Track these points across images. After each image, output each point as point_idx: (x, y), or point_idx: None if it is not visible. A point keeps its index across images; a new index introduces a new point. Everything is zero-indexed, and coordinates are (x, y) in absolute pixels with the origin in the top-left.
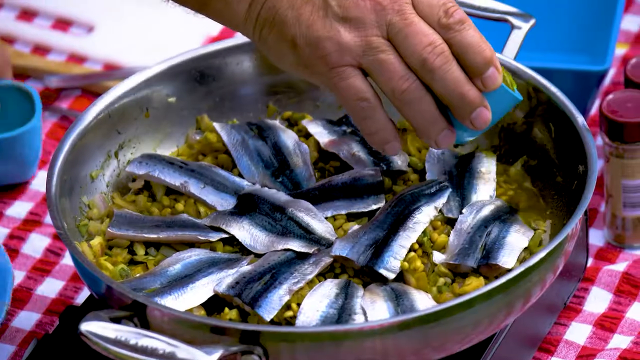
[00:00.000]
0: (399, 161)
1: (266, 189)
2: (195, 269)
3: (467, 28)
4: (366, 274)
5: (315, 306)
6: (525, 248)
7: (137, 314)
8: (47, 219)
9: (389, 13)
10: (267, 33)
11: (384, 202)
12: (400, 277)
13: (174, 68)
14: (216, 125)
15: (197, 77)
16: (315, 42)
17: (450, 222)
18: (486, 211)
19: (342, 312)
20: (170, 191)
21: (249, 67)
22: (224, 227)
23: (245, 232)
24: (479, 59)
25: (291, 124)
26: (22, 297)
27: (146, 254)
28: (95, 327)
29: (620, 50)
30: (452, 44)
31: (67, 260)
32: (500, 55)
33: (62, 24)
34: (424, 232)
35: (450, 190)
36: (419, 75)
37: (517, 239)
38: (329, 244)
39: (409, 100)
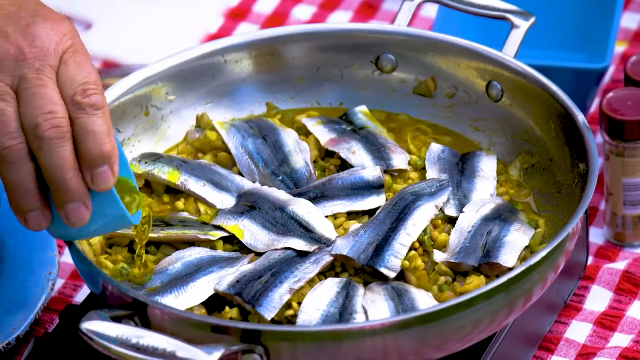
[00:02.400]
0: (399, 160)
1: (266, 187)
2: (196, 267)
3: (98, 115)
4: (367, 273)
5: (316, 305)
6: (526, 247)
7: (138, 313)
8: None
9: (28, 67)
10: None
11: (385, 200)
12: (401, 275)
13: (173, 66)
14: (216, 123)
15: (196, 75)
16: None
17: (451, 221)
18: (487, 210)
19: (343, 311)
20: (170, 189)
21: (248, 64)
22: (224, 225)
23: (246, 230)
24: (96, 150)
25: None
26: None
27: (146, 252)
28: (96, 326)
29: (619, 48)
30: (76, 124)
31: (67, 258)
32: (501, 53)
33: None
34: (425, 231)
35: (450, 188)
36: (28, 141)
37: (517, 237)
38: (330, 243)
39: (8, 159)
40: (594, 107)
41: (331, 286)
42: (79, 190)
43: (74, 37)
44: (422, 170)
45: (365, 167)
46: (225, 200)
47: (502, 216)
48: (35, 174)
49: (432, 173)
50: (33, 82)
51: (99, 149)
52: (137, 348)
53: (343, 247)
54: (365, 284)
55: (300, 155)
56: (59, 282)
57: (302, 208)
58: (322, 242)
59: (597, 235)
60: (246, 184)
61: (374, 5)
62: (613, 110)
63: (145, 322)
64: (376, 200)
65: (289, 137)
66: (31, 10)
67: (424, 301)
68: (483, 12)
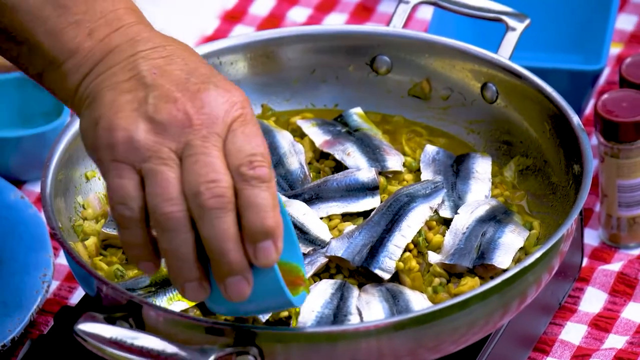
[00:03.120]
0: (394, 161)
1: None
2: None
3: (263, 188)
4: (361, 274)
5: (311, 307)
6: (521, 248)
7: (132, 315)
8: None
9: (194, 133)
10: (85, 107)
11: (379, 202)
12: (396, 277)
13: None
14: None
15: None
16: (113, 128)
17: (446, 222)
18: (481, 211)
19: (338, 312)
20: None
21: (243, 66)
22: None
23: None
24: (259, 223)
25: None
26: None
27: None
28: (90, 328)
29: (615, 50)
30: (240, 196)
31: (62, 260)
32: (496, 55)
33: None
34: (419, 232)
35: (445, 190)
36: (190, 209)
37: (512, 239)
38: (324, 245)
39: (167, 226)
40: (589, 108)
41: (326, 288)
42: (240, 264)
43: (244, 107)
44: (417, 172)
45: (360, 168)
46: None
47: (496, 218)
48: (195, 244)
49: (427, 175)
50: (198, 149)
51: (262, 223)
52: (131, 350)
53: (338, 248)
54: (360, 286)
55: (295, 157)
56: (54, 284)
57: (296, 210)
58: (317, 244)
59: (592, 237)
60: None
61: (369, 7)
62: (608, 112)
63: (140, 324)
64: (371, 202)
65: (284, 139)
66: (203, 76)
67: (419, 303)
68: (478, 14)
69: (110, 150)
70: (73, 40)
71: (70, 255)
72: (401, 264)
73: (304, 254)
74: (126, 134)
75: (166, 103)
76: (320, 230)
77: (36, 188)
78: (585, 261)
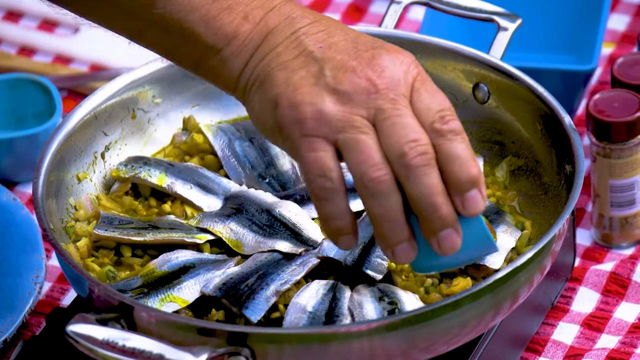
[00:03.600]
0: None
1: (253, 190)
2: (182, 270)
3: (460, 140)
4: (353, 275)
5: (303, 307)
6: (513, 248)
7: (124, 316)
8: None
9: (382, 98)
10: (255, 91)
11: None
12: (388, 277)
13: (160, 69)
14: (203, 126)
15: (182, 78)
16: (297, 104)
17: None
18: None
19: (330, 313)
20: (157, 192)
21: None
22: (210, 228)
23: (232, 233)
24: (465, 174)
25: None
26: None
27: (133, 255)
28: (82, 329)
29: (606, 50)
30: (439, 151)
31: (54, 261)
32: (488, 55)
33: (48, 25)
34: None
35: None
36: (394, 170)
37: (504, 239)
38: (316, 245)
39: (376, 191)
40: (581, 108)
41: (318, 288)
42: (451, 216)
43: (418, 66)
44: None
45: None
46: (212, 203)
47: (488, 218)
48: (402, 205)
49: None
50: (391, 112)
51: (468, 173)
52: (123, 351)
53: (330, 249)
54: (352, 286)
55: (287, 158)
56: (47, 286)
57: (288, 210)
58: (309, 245)
59: (584, 237)
60: (233, 186)
61: (361, 7)
62: (600, 112)
63: (132, 325)
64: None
65: None
66: (368, 43)
67: (411, 303)
68: (470, 14)
69: (299, 126)
70: (230, 25)
71: (62, 256)
72: (393, 264)
73: (295, 255)
74: (314, 108)
75: (345, 72)
76: (313, 231)
77: (28, 189)
78: (577, 261)
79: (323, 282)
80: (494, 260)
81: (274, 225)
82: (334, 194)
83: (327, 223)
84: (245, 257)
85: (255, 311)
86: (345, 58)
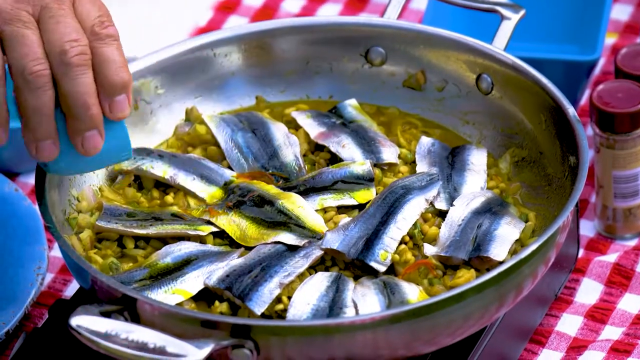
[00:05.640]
0: (389, 153)
1: (256, 181)
2: (186, 262)
3: (116, 46)
4: (357, 267)
5: (306, 299)
6: (517, 240)
7: (127, 308)
8: None
9: None
10: None
11: (375, 194)
12: (391, 269)
13: (163, 60)
14: (205, 117)
15: (185, 68)
16: None
17: (441, 215)
18: (477, 203)
19: (333, 305)
20: (160, 184)
21: (237, 58)
22: (213, 220)
23: (235, 225)
24: (117, 78)
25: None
26: None
27: (136, 247)
28: (85, 321)
29: (610, 40)
30: (96, 54)
31: (56, 252)
32: (491, 46)
33: None
34: (415, 225)
35: (440, 182)
36: (52, 66)
37: (508, 231)
38: (320, 237)
39: (34, 84)
40: (584, 99)
41: (321, 280)
42: (98, 118)
43: None
44: (412, 163)
45: (355, 160)
46: (215, 195)
47: (492, 210)
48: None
49: (422, 166)
50: (56, 11)
51: (120, 77)
52: (126, 343)
53: (333, 241)
54: (356, 278)
55: (289, 149)
56: (49, 277)
57: (292, 202)
58: (312, 236)
59: (588, 228)
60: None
61: None
62: (603, 103)
63: (135, 317)
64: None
65: (279, 131)
66: None
67: (414, 295)
68: (473, 5)
69: None
70: None
71: (65, 248)
72: (397, 256)
73: (299, 247)
74: None
75: None
76: (316, 223)
77: (30, 180)
78: (581, 252)
79: (327, 274)
80: (498, 252)
81: (277, 217)
82: None
83: None
84: (248, 249)
85: (259, 303)
86: None
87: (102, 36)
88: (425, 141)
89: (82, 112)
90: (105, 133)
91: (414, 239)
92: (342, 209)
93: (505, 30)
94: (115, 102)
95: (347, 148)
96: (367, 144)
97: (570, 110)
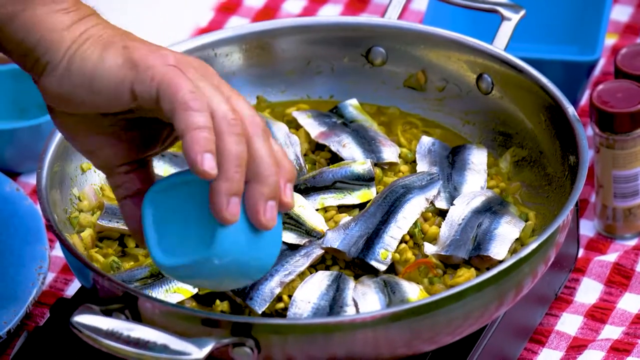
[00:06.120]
0: (390, 153)
1: None
2: None
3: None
4: (357, 266)
5: (307, 298)
6: (517, 239)
7: (129, 306)
8: None
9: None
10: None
11: (375, 193)
12: (392, 268)
13: None
14: None
15: None
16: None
17: (442, 214)
18: (477, 202)
19: (334, 303)
20: None
21: (238, 58)
22: None
23: None
24: (289, 164)
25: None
26: None
27: (137, 246)
28: (86, 320)
29: (610, 41)
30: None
31: (57, 252)
32: (491, 46)
33: None
34: (415, 224)
35: (441, 181)
36: (244, 124)
37: (508, 230)
38: (320, 236)
39: (236, 130)
40: (584, 99)
41: (322, 279)
42: (279, 190)
43: None
44: (413, 163)
45: (356, 160)
46: None
47: (492, 209)
48: None
49: (422, 166)
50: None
51: (291, 165)
52: (127, 341)
53: (334, 240)
54: (356, 277)
55: (290, 149)
56: (50, 276)
57: None
58: (313, 235)
59: (587, 228)
60: None
61: None
62: (603, 103)
63: (136, 316)
64: (367, 194)
65: (280, 131)
66: None
67: (415, 294)
68: (473, 5)
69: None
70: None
71: (66, 247)
72: (397, 255)
73: (299, 246)
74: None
75: None
76: (316, 222)
77: (31, 180)
78: (581, 252)
79: (327, 272)
80: (498, 251)
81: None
82: (205, 107)
83: (197, 133)
84: None
85: (260, 302)
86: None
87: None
88: (426, 141)
89: (270, 176)
90: (263, 240)
91: (414, 238)
92: (342, 208)
93: (506, 31)
94: (287, 188)
95: (347, 147)
96: (368, 144)
97: (570, 110)
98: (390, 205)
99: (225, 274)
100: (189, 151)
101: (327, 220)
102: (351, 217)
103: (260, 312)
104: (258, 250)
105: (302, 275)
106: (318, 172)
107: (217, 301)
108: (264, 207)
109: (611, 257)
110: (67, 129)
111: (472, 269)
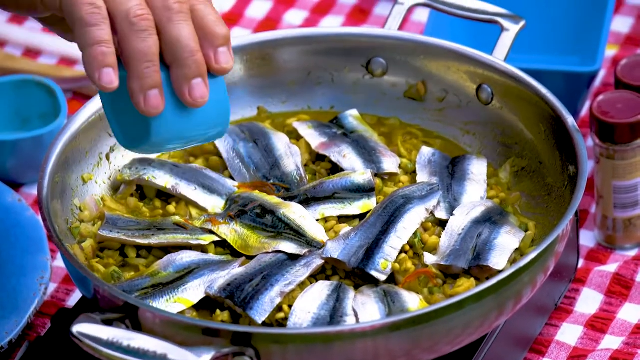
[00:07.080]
0: (390, 163)
1: (257, 191)
2: (187, 271)
3: (212, 6)
4: (357, 276)
5: (307, 308)
6: (516, 249)
7: (129, 316)
8: None
9: None
10: None
11: (375, 204)
12: (392, 278)
13: None
14: None
15: None
16: None
17: (442, 224)
18: (477, 212)
19: (334, 313)
20: (162, 194)
21: (239, 69)
22: (215, 229)
23: (237, 234)
24: (219, 29)
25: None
26: None
27: (138, 256)
28: (87, 329)
29: (610, 52)
30: (193, 9)
31: (59, 262)
32: (491, 57)
33: None
34: (415, 234)
35: (441, 192)
36: (155, 14)
37: (507, 240)
38: (321, 246)
39: (139, 27)
40: (584, 110)
41: (322, 289)
42: (203, 66)
43: None
44: (413, 173)
45: (356, 170)
46: (217, 204)
47: (492, 219)
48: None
49: (422, 176)
50: None
51: (221, 29)
52: (128, 351)
53: (334, 250)
54: (356, 287)
55: (291, 159)
56: (52, 287)
57: (293, 212)
58: (313, 246)
59: (588, 238)
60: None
61: (365, 9)
62: (603, 113)
63: (137, 325)
64: (367, 204)
65: (280, 141)
66: None
67: (414, 303)
68: (473, 16)
69: None
70: None
71: (67, 257)
72: (397, 265)
73: (300, 256)
74: None
75: None
76: (317, 232)
77: (34, 191)
78: (581, 262)
79: (327, 282)
80: (498, 261)
81: (278, 226)
82: (102, 20)
83: (94, 49)
84: (249, 258)
85: (260, 312)
86: None
87: None
88: (426, 151)
89: (188, 57)
90: (210, 92)
91: (414, 248)
92: (342, 219)
93: (506, 41)
94: (219, 53)
95: (348, 158)
96: (368, 154)
97: (570, 120)
98: (390, 216)
99: (182, 143)
100: (87, 68)
101: (327, 230)
102: (351, 228)
103: (260, 322)
104: (205, 118)
105: (302, 285)
106: (318, 182)
107: (218, 311)
108: (188, 87)
109: (611, 267)
110: (58, 30)
111: (472, 279)
